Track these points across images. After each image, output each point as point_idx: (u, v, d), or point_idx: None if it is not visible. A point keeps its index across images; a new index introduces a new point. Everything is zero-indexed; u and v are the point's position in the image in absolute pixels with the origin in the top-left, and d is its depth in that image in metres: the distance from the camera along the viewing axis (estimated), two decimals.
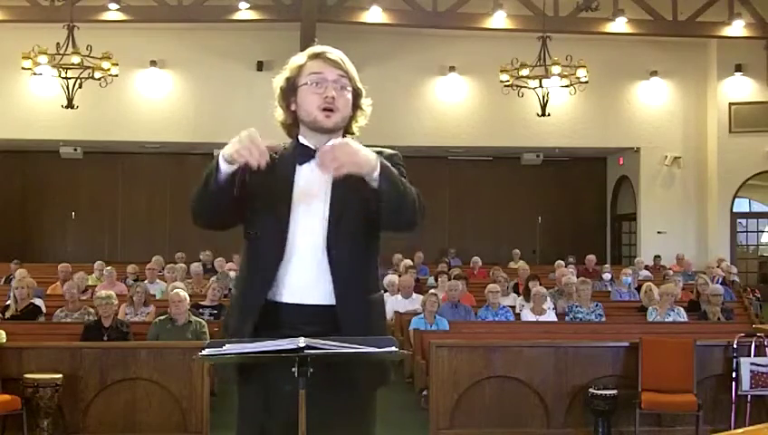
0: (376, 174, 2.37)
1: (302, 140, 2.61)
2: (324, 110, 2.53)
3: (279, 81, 2.63)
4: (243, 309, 2.56)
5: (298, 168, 2.58)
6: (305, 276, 2.51)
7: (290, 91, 2.60)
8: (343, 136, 2.62)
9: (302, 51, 2.69)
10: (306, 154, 2.57)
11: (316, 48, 2.61)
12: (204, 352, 2.27)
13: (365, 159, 2.36)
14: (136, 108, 15.80)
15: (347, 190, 2.52)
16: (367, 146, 2.66)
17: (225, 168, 2.46)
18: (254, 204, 2.56)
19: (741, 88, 16.36)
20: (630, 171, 17.69)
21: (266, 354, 2.25)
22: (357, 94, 2.62)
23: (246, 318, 2.50)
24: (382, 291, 2.75)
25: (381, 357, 2.34)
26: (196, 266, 11.74)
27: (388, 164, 2.42)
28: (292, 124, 2.64)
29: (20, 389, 6.21)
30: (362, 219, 2.53)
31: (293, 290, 2.51)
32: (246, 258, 2.61)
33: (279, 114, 2.65)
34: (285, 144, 2.66)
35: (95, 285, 10.40)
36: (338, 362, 2.46)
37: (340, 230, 2.50)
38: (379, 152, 2.64)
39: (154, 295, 10.36)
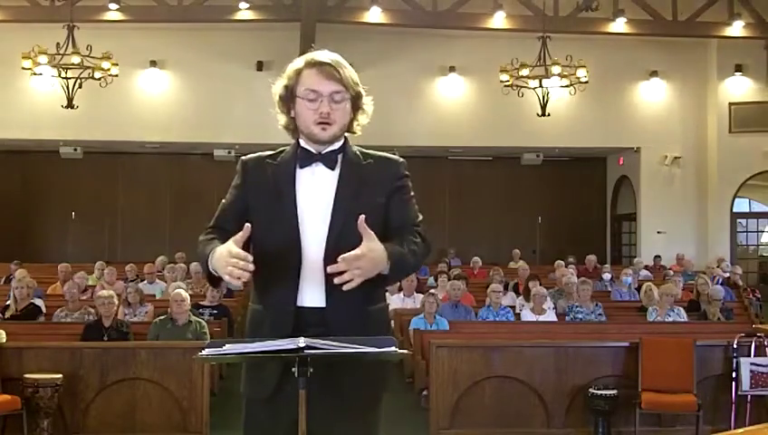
0: (386, 271, 2.44)
1: (303, 144, 2.62)
2: (320, 123, 2.54)
3: (278, 88, 2.62)
4: (274, 319, 2.54)
5: (299, 171, 2.59)
6: (317, 280, 2.52)
7: (288, 98, 2.60)
8: (344, 136, 2.64)
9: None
10: (307, 158, 2.59)
11: (314, 55, 2.58)
12: (204, 353, 2.27)
13: (380, 263, 2.41)
14: (136, 108, 15.80)
15: (350, 199, 2.54)
16: (368, 147, 2.68)
17: (214, 273, 2.48)
18: (260, 214, 2.56)
19: (741, 88, 16.37)
20: (630, 171, 17.68)
21: (266, 354, 2.25)
22: (356, 97, 2.60)
23: (280, 326, 2.49)
24: (385, 302, 2.75)
25: (381, 357, 2.34)
26: (196, 266, 11.74)
27: (398, 251, 2.45)
28: (295, 129, 2.64)
29: (20, 389, 6.21)
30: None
31: (308, 293, 2.53)
32: (263, 271, 2.57)
33: (281, 118, 2.65)
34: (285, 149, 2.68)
35: (95, 285, 10.40)
36: (337, 369, 2.48)
37: (341, 240, 2.49)
38: (386, 158, 2.67)
39: (153, 295, 10.38)
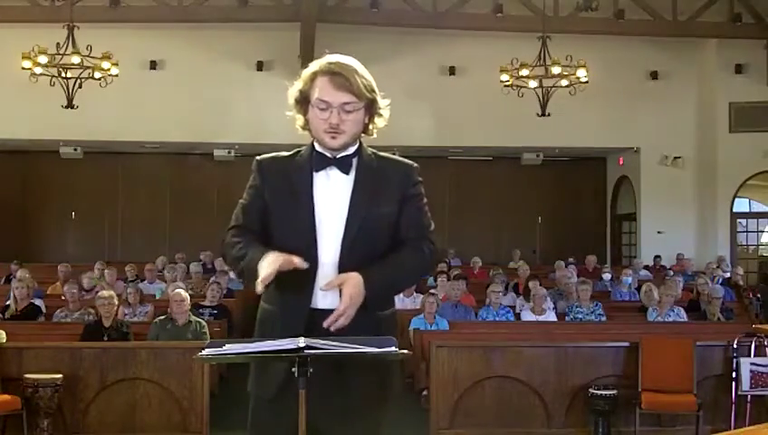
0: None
1: (317, 147, 2.63)
2: (329, 132, 2.55)
3: (293, 92, 2.63)
4: (287, 319, 2.56)
5: (315, 175, 2.61)
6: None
7: (304, 102, 2.61)
8: (359, 140, 2.65)
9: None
10: (322, 162, 2.61)
11: (329, 62, 2.58)
12: (204, 353, 2.28)
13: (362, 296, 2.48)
14: (136, 108, 15.76)
15: (365, 203, 2.57)
16: (372, 147, 2.69)
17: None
18: (277, 215, 2.59)
19: (741, 88, 16.33)
20: (630, 171, 17.67)
21: (266, 354, 2.26)
22: (371, 104, 2.60)
23: (292, 327, 2.50)
24: (395, 307, 2.78)
25: (381, 357, 2.35)
26: (195, 266, 11.76)
27: (375, 278, 2.50)
28: (312, 130, 2.66)
29: (20, 389, 6.22)
30: (378, 234, 2.58)
31: (323, 295, 2.55)
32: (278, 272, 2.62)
33: (299, 120, 2.66)
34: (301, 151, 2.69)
35: (95, 286, 10.40)
36: (345, 369, 2.51)
37: (356, 243, 2.54)
38: (400, 162, 2.70)
39: (153, 295, 10.38)
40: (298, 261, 2.45)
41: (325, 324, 2.44)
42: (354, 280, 2.45)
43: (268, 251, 2.47)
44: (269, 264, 2.41)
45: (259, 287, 2.40)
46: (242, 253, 2.55)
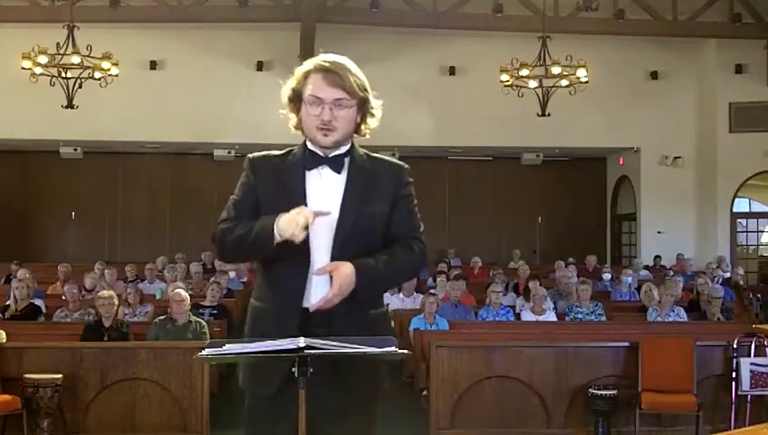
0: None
1: (310, 146, 2.65)
2: (321, 129, 2.56)
3: (286, 90, 2.65)
4: (280, 318, 2.57)
5: (307, 173, 2.62)
6: (323, 282, 2.54)
7: (297, 100, 2.63)
8: (351, 140, 2.66)
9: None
10: (314, 161, 2.62)
11: (322, 60, 2.60)
12: (204, 353, 2.28)
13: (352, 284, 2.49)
14: (136, 108, 15.76)
15: (357, 203, 2.58)
16: (368, 146, 2.70)
17: (277, 239, 2.48)
18: (270, 213, 2.57)
19: (741, 88, 16.32)
20: (630, 171, 17.68)
21: (266, 354, 2.26)
22: (363, 102, 2.61)
23: (285, 326, 2.51)
24: (385, 308, 2.80)
25: (381, 357, 2.36)
26: (195, 266, 11.76)
27: (366, 270, 2.52)
28: (304, 128, 2.67)
29: (20, 389, 6.22)
30: (370, 233, 2.59)
31: (315, 294, 2.56)
32: (271, 270, 2.63)
33: (292, 118, 2.67)
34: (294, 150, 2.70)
35: (95, 285, 10.40)
36: (343, 367, 2.52)
37: (347, 243, 2.55)
38: (392, 163, 2.72)
39: (153, 295, 10.38)
40: (324, 209, 2.50)
41: (312, 309, 2.49)
42: (346, 269, 2.47)
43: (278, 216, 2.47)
44: (298, 213, 2.42)
45: (301, 236, 2.40)
46: (246, 227, 2.55)
